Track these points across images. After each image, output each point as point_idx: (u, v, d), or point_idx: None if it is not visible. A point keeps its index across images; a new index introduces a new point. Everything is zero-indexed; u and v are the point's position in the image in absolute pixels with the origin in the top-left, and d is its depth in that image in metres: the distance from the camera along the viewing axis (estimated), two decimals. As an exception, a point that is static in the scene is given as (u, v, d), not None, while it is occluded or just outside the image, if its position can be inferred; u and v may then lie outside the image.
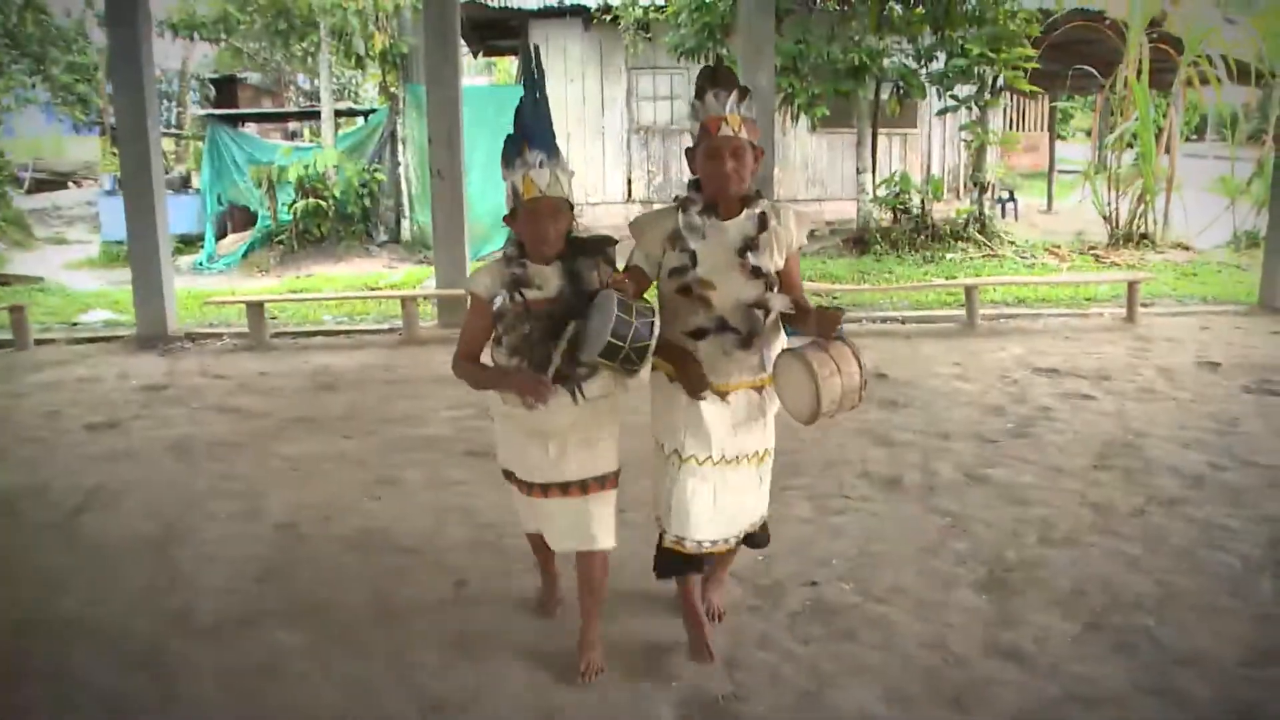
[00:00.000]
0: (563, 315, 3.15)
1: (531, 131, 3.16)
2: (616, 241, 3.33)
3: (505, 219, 3.24)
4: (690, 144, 3.34)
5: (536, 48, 3.22)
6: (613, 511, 3.45)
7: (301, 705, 3.40)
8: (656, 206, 3.66)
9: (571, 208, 3.23)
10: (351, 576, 4.39)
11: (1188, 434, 6.20)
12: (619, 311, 2.94)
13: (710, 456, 3.34)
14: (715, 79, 3.24)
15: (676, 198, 3.34)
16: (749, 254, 3.25)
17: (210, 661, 3.68)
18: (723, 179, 3.20)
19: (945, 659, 3.58)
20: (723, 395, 3.34)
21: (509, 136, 3.18)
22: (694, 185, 3.33)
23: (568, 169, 3.19)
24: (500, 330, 3.24)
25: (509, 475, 3.53)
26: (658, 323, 3.10)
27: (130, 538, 4.88)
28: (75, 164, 27.43)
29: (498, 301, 3.18)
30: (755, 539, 3.71)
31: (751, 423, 3.40)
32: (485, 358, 3.38)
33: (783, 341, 3.40)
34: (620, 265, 3.37)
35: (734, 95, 3.20)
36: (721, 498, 3.40)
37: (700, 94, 3.25)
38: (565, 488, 3.35)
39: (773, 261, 3.29)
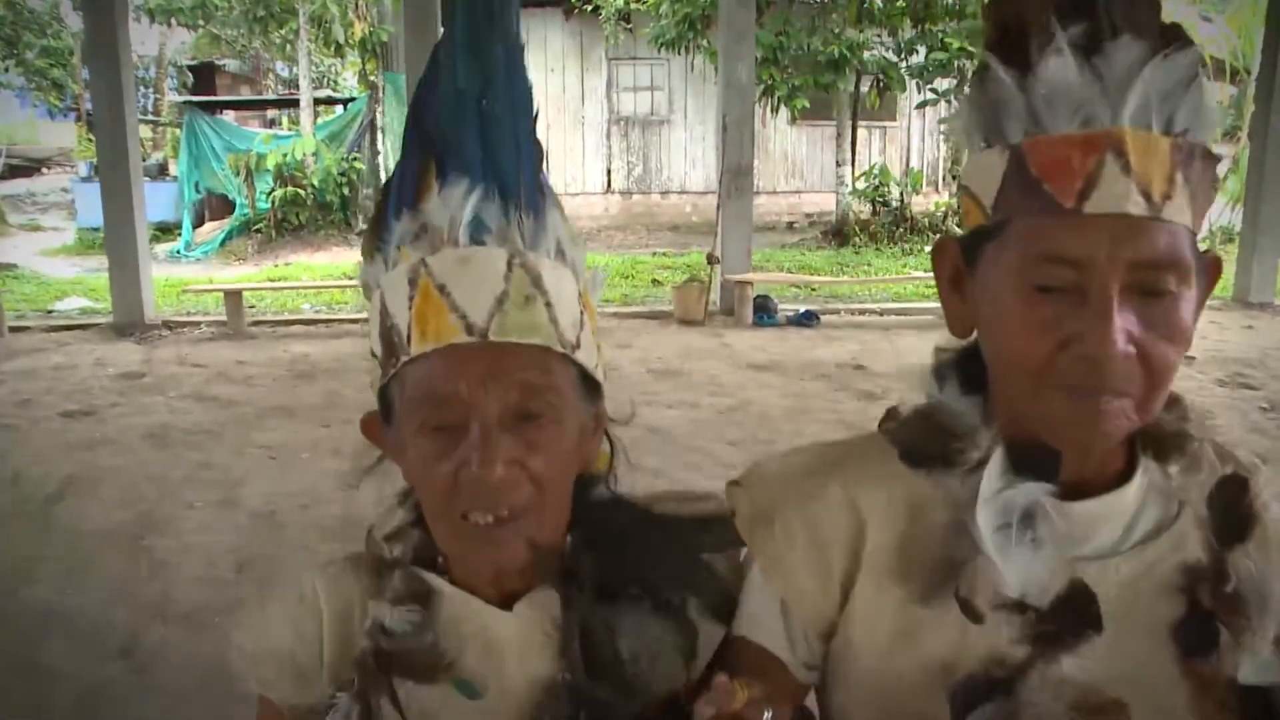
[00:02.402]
0: None
1: (453, 122, 0.97)
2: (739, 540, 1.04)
3: (366, 427, 1.13)
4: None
5: None
6: None
7: (279, 694, 3.39)
8: (812, 444, 1.11)
9: (598, 391, 1.03)
10: (329, 566, 4.38)
11: (1162, 427, 6.25)
12: None
13: None
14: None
15: (887, 425, 1.05)
16: (1210, 650, 0.90)
17: (186, 651, 3.66)
18: (1098, 391, 0.85)
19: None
20: None
21: (399, 162, 1.01)
22: (959, 367, 1.00)
23: (577, 251, 1.02)
24: None
25: None
26: None
27: (106, 526, 4.84)
28: (50, 150, 27.20)
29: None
30: None
31: None
32: None
33: None
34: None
35: (1163, 65, 0.87)
36: None
37: (1009, 43, 0.90)
38: None
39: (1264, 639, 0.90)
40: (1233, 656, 0.89)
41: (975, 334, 0.98)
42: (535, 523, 0.95)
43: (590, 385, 1.00)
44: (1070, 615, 0.89)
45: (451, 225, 0.94)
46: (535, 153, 1.00)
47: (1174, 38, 0.90)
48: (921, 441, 0.98)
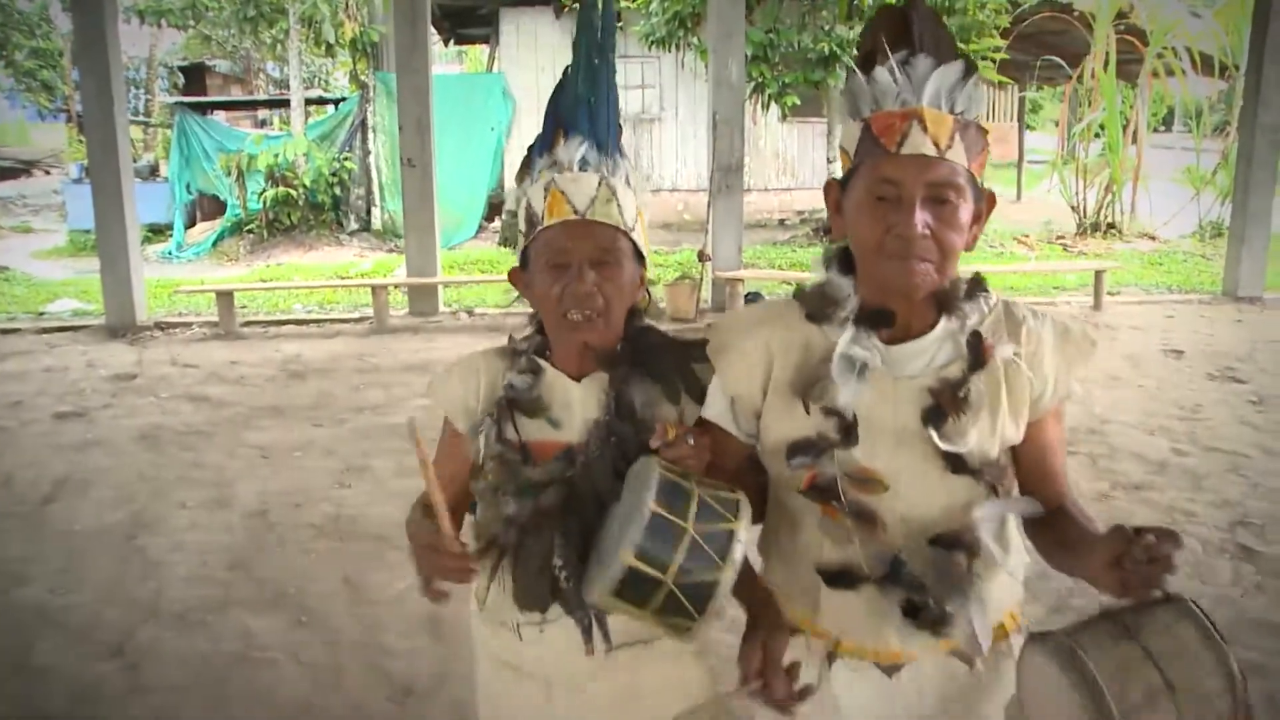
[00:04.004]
0: (579, 487, 1.65)
1: (575, 114, 1.74)
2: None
3: (511, 275, 1.79)
4: (836, 171, 1.82)
5: None
6: None
7: (270, 691, 3.41)
8: (756, 303, 2.04)
9: (642, 259, 1.74)
10: (321, 563, 4.40)
11: (1152, 420, 6.29)
12: (657, 504, 1.41)
13: None
14: (905, 28, 1.54)
15: (798, 293, 1.69)
16: (942, 423, 1.56)
17: (179, 649, 3.69)
18: (904, 254, 1.48)
19: (911, 641, 3.62)
20: (888, 669, 1.66)
21: (540, 133, 1.78)
22: (839, 258, 1.64)
23: (638, 185, 1.76)
24: (477, 489, 1.75)
25: None
26: (742, 534, 1.44)
27: (99, 527, 4.86)
28: (40, 151, 27.18)
29: (480, 443, 1.72)
30: None
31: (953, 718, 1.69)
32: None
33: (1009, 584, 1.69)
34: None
35: (944, 71, 1.50)
36: None
37: (867, 61, 1.55)
38: None
39: (995, 434, 1.59)
40: (953, 433, 1.55)
41: (847, 238, 1.59)
42: (603, 322, 1.66)
43: (639, 255, 1.72)
44: (849, 430, 1.55)
45: (569, 161, 1.70)
46: (617, 129, 1.77)
47: (954, 55, 1.52)
48: (817, 306, 1.62)
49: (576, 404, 1.70)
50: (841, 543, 1.59)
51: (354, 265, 14.80)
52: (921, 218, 1.45)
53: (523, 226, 1.72)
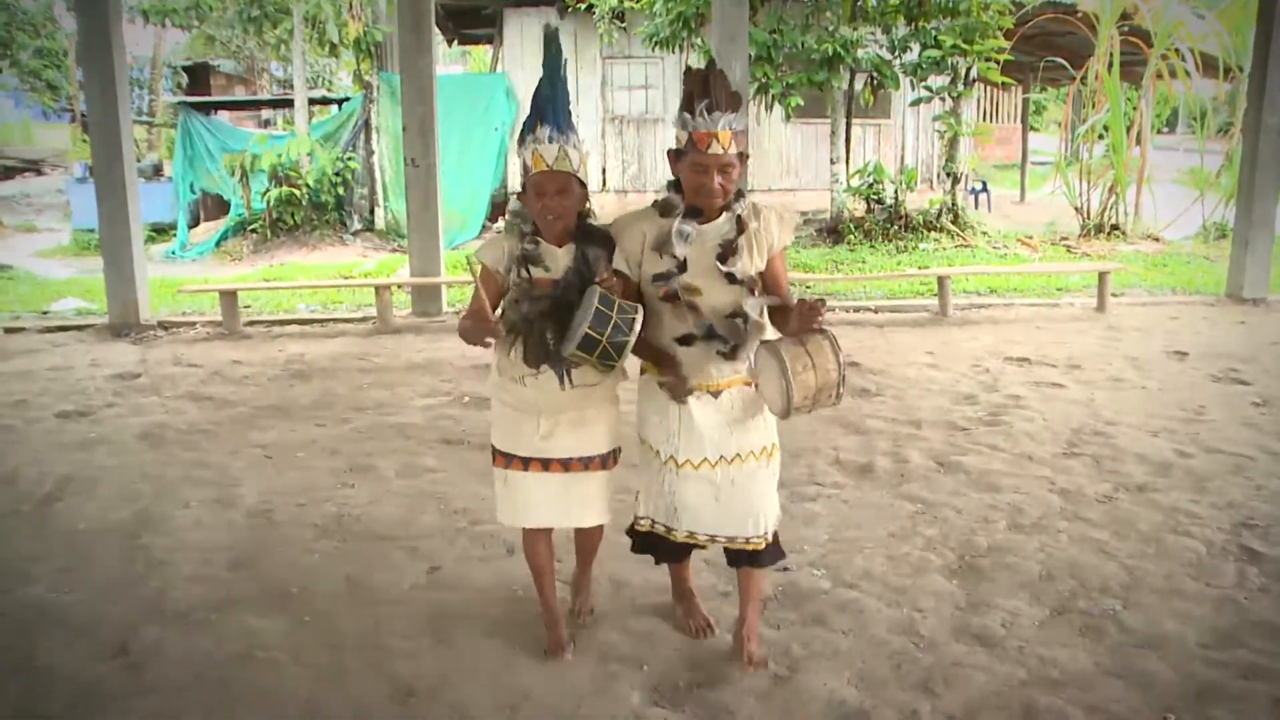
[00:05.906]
0: (560, 298, 3.17)
1: (545, 109, 3.17)
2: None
3: (519, 198, 3.27)
4: (674, 146, 3.22)
5: (556, 29, 3.39)
6: (601, 491, 3.48)
7: (273, 691, 3.41)
8: (633, 208, 3.50)
9: (584, 187, 3.22)
10: (324, 563, 4.40)
11: (1155, 422, 6.28)
12: (599, 305, 3.01)
13: (707, 458, 3.29)
14: (706, 87, 3.10)
15: (655, 203, 3.27)
16: (726, 260, 3.19)
17: (182, 649, 3.68)
18: (709, 194, 3.13)
19: (914, 642, 3.63)
20: (715, 394, 3.29)
21: (526, 118, 3.22)
22: (674, 186, 3.25)
23: (580, 147, 3.19)
24: (503, 305, 3.27)
25: (496, 455, 3.46)
26: (639, 321, 3.07)
27: (102, 525, 4.86)
28: (45, 151, 27.17)
29: (509, 280, 3.23)
30: (759, 557, 3.44)
31: (749, 419, 3.32)
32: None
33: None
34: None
35: (727, 113, 3.08)
36: (726, 495, 3.32)
37: (688, 104, 3.11)
38: (547, 464, 3.38)
39: (752, 264, 3.23)
40: (730, 265, 3.21)
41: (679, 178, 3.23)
42: (565, 219, 3.19)
43: (583, 185, 3.21)
44: (682, 266, 3.19)
45: (544, 136, 3.14)
46: (568, 116, 3.21)
47: (735, 100, 3.12)
48: (665, 208, 3.22)
49: (559, 259, 3.22)
50: (683, 322, 3.22)
51: (357, 265, 14.80)
52: (718, 180, 3.10)
53: (520, 172, 3.24)
